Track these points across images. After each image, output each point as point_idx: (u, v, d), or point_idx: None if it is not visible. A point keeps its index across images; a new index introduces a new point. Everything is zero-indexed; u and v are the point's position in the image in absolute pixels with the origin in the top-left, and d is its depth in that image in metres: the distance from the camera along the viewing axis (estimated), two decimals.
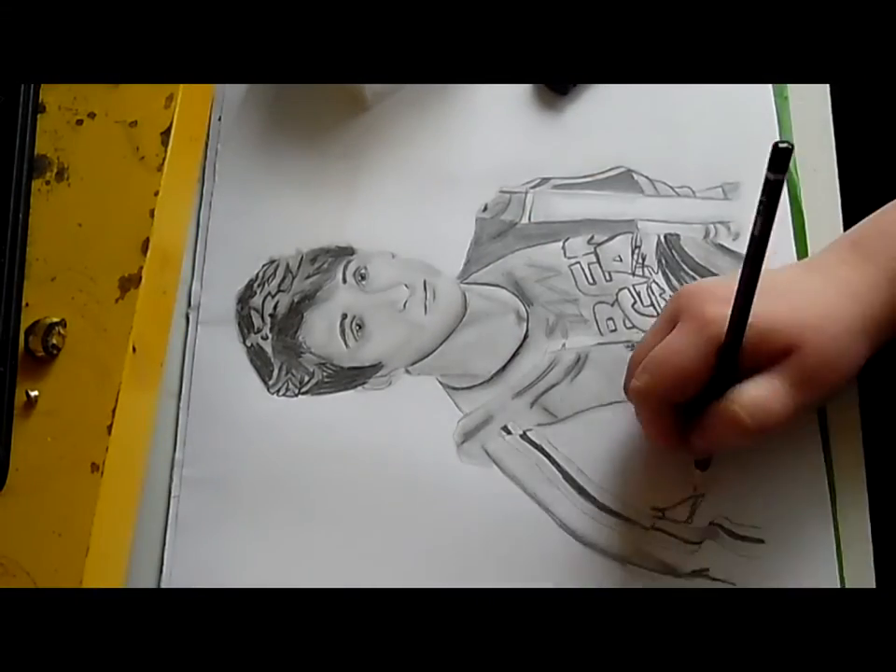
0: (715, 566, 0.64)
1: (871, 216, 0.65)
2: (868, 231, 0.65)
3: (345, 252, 0.73)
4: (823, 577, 0.63)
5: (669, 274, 0.71)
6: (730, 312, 0.57)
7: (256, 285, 0.73)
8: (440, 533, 0.66)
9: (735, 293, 0.56)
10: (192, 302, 0.72)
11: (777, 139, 0.67)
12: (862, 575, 0.63)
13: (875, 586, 0.62)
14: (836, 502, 0.64)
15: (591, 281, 0.71)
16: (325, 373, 0.70)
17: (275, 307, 0.72)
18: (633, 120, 0.75)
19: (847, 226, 0.69)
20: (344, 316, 0.71)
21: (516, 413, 0.68)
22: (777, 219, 0.52)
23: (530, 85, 0.77)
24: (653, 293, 0.71)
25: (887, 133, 0.74)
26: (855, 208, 0.67)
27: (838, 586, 0.62)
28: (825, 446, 0.66)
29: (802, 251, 0.70)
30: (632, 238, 0.72)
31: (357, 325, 0.71)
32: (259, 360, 0.71)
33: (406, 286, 0.72)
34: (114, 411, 0.61)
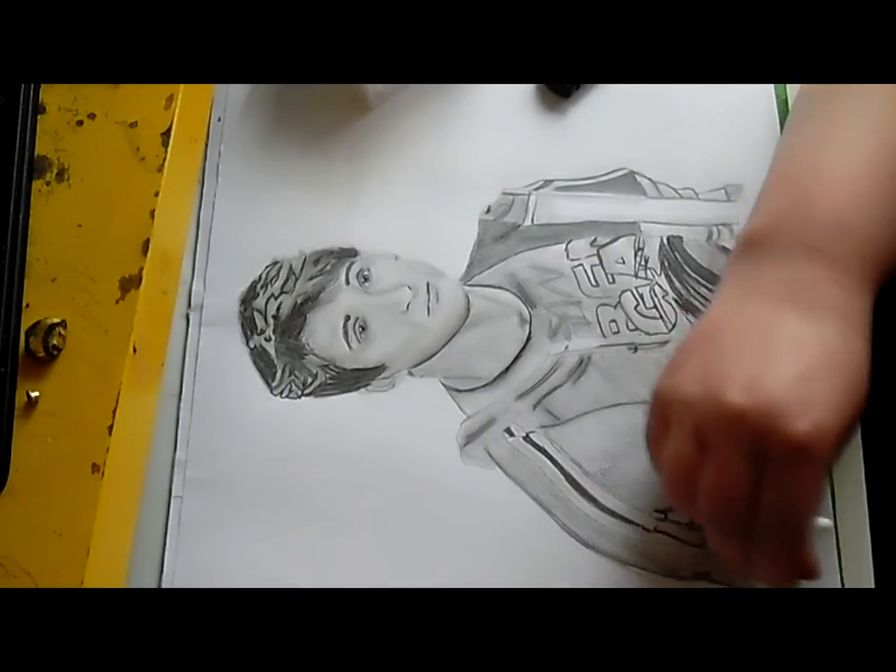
0: (717, 568, 0.64)
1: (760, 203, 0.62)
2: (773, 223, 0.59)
3: (348, 254, 0.73)
4: (824, 577, 0.62)
5: (672, 277, 0.71)
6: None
7: (259, 286, 0.73)
8: (441, 534, 0.66)
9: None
10: (194, 303, 0.72)
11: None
12: (862, 575, 0.63)
13: (874, 586, 0.62)
14: (836, 503, 0.64)
15: (594, 283, 0.71)
16: (328, 375, 0.70)
17: (278, 309, 0.72)
18: (635, 122, 0.75)
19: None
20: (347, 318, 0.71)
21: (519, 415, 0.68)
22: None
23: (533, 87, 0.77)
24: (656, 295, 0.70)
25: None
26: None
27: (839, 586, 0.62)
28: None
29: None
30: (635, 240, 0.72)
31: (361, 326, 0.71)
32: (262, 362, 0.71)
33: (409, 287, 0.72)
34: (114, 411, 0.61)
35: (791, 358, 0.53)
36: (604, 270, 0.71)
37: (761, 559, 0.54)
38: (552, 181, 0.74)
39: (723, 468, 0.53)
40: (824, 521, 0.55)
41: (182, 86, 0.68)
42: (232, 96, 0.78)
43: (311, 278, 0.72)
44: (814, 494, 0.52)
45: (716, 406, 0.52)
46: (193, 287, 0.72)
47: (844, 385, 0.53)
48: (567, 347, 0.70)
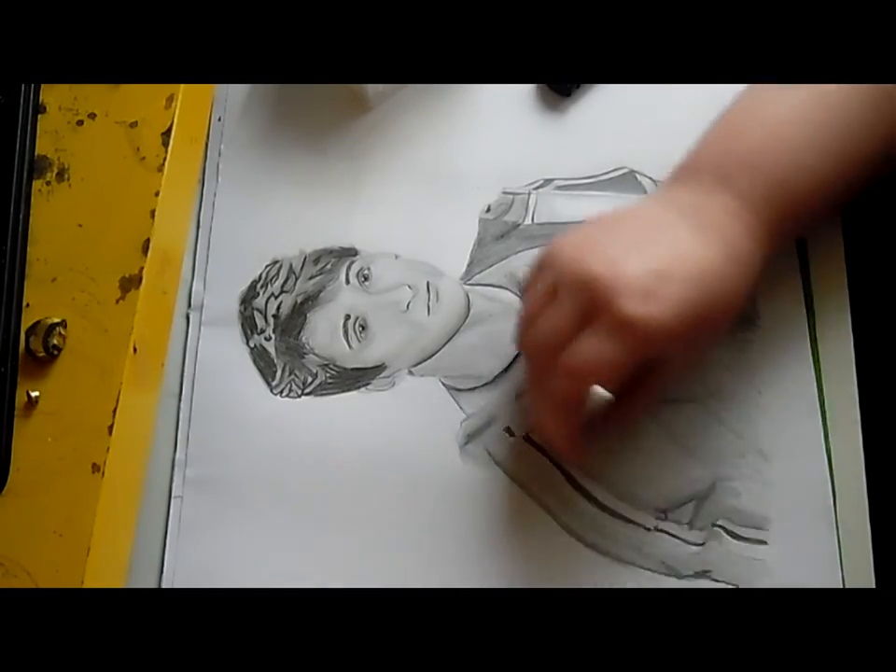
0: (717, 567, 0.64)
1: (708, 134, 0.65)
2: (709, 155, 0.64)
3: (349, 253, 0.73)
4: (825, 577, 0.63)
5: None
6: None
7: (259, 285, 0.73)
8: (441, 534, 0.66)
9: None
10: (194, 303, 0.72)
11: None
12: (862, 575, 0.63)
13: (874, 586, 0.62)
14: (836, 503, 0.64)
15: None
16: (328, 374, 0.70)
17: (278, 308, 0.72)
18: (635, 121, 0.75)
19: (845, 224, 0.69)
20: (348, 317, 0.71)
21: (519, 414, 0.68)
22: None
23: (533, 86, 0.77)
24: None
25: None
26: (854, 204, 0.67)
27: (840, 586, 0.62)
28: (826, 447, 0.65)
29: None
30: None
31: (361, 326, 0.71)
32: (262, 361, 0.71)
33: (409, 287, 0.72)
34: (115, 411, 0.61)
35: (661, 256, 0.58)
36: None
37: (542, 409, 0.61)
38: (552, 180, 0.74)
39: (553, 316, 0.59)
40: (601, 393, 0.58)
41: (182, 86, 0.68)
42: (232, 96, 0.78)
43: (311, 277, 0.72)
44: (611, 368, 0.57)
45: (576, 268, 0.58)
46: (193, 287, 0.72)
47: (697, 299, 0.57)
48: None
